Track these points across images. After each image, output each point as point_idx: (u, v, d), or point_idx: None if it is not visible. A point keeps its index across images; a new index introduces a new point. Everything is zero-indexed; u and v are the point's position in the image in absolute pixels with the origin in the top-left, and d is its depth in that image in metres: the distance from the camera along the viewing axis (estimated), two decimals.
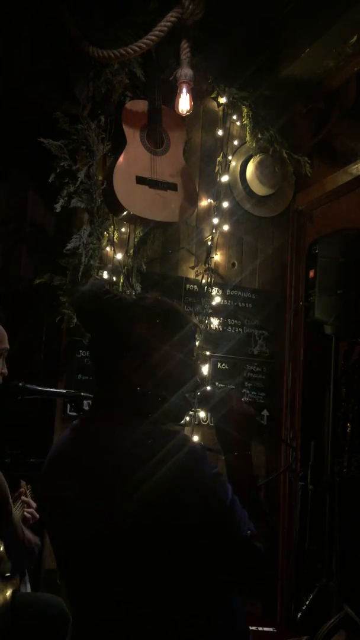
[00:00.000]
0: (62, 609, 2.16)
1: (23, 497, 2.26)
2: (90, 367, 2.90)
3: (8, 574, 2.08)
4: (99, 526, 1.29)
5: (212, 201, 3.63)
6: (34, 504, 2.24)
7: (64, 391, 2.48)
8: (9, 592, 2.06)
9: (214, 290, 3.59)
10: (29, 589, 2.46)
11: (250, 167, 3.69)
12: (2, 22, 2.99)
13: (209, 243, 3.59)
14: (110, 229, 3.25)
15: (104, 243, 3.24)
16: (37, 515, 2.22)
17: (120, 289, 3.26)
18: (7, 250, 3.31)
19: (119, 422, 1.37)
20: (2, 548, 2.10)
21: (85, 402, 2.12)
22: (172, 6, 3.04)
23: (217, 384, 3.52)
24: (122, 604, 1.28)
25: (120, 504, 1.26)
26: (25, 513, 2.20)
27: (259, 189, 3.70)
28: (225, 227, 3.64)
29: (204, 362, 3.49)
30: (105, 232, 3.22)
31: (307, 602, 3.25)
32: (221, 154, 3.67)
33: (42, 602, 2.23)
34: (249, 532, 1.30)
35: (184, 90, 3.12)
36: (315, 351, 3.73)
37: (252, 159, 3.70)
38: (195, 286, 3.55)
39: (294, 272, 3.82)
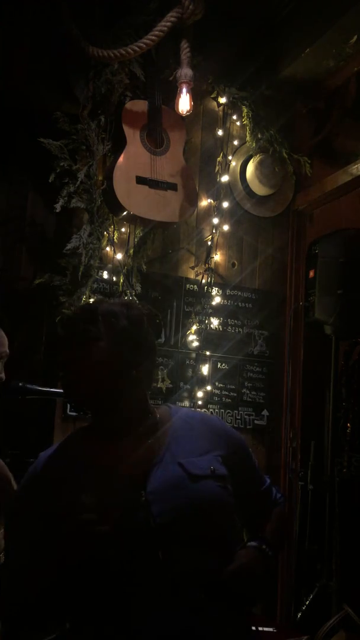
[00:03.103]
0: None
1: None
2: None
3: None
4: None
5: (212, 201, 3.63)
6: None
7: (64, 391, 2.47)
8: None
9: (214, 290, 3.59)
10: None
11: (250, 167, 3.69)
12: (2, 22, 2.99)
13: (209, 243, 3.59)
14: (110, 229, 3.25)
15: (104, 243, 3.24)
16: None
17: (120, 289, 3.27)
18: (7, 250, 3.32)
19: None
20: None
21: None
22: (172, 6, 3.04)
23: (216, 383, 3.52)
24: None
25: None
26: None
27: (259, 189, 3.70)
28: (225, 227, 3.63)
29: (204, 362, 3.49)
30: (105, 232, 3.22)
31: (307, 602, 3.25)
32: (221, 154, 3.66)
33: None
34: None
35: (184, 90, 3.12)
36: (315, 351, 3.73)
37: (252, 159, 3.70)
38: (195, 286, 3.55)
39: (294, 272, 3.81)
